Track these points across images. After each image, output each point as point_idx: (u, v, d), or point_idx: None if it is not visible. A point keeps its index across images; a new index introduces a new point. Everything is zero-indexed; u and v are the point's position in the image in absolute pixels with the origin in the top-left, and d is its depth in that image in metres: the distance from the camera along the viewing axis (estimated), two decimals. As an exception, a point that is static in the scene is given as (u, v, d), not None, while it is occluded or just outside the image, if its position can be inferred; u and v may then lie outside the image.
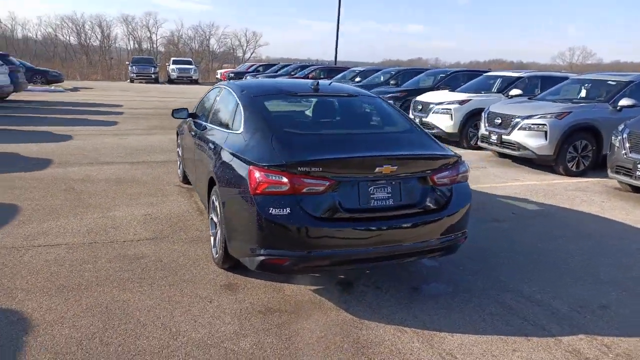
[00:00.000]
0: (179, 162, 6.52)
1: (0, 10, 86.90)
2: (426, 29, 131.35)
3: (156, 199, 5.62)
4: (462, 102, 10.03)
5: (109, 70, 40.79)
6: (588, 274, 4.05)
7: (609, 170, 6.75)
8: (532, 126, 7.80)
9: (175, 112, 5.33)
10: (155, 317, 3.06)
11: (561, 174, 7.85)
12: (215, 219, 3.78)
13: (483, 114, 8.94)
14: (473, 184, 6.94)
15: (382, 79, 15.17)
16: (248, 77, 23.49)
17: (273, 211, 2.97)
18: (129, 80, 32.17)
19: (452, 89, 11.50)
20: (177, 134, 6.51)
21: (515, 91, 9.73)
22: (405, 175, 3.24)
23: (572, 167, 7.84)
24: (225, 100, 4.39)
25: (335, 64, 27.02)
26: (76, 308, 3.14)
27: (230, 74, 29.10)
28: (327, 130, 3.84)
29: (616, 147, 6.58)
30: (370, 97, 4.38)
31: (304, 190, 3.00)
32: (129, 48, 57.40)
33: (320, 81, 4.37)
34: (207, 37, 59.97)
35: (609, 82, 8.43)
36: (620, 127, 6.67)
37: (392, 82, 14.22)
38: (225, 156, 3.57)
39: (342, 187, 3.08)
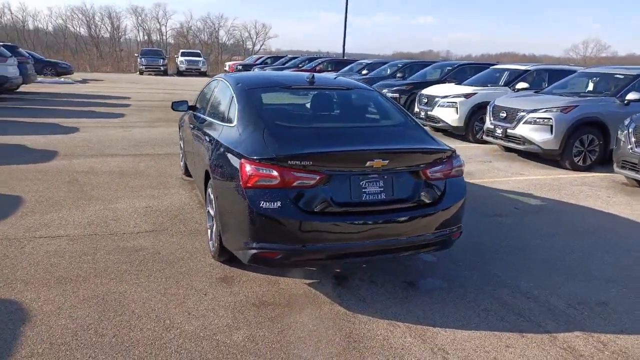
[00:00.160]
0: (181, 155, 6.55)
1: (12, 1, 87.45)
2: (437, 21, 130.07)
3: (158, 192, 5.66)
4: (467, 96, 9.94)
5: (118, 62, 40.98)
6: (588, 270, 4.02)
7: (614, 165, 6.67)
8: (537, 120, 7.71)
9: (175, 105, 5.34)
10: (150, 309, 3.10)
11: (567, 169, 7.77)
12: (211, 212, 3.80)
13: (488, 107, 8.86)
14: (477, 178, 6.96)
15: (388, 72, 15.08)
16: (256, 69, 23.48)
17: (264, 205, 2.98)
18: (138, 73, 32.30)
19: (459, 82, 11.39)
20: (179, 127, 6.54)
21: (521, 84, 9.63)
22: (397, 169, 3.23)
23: (578, 161, 7.75)
24: (221, 93, 4.40)
25: (343, 57, 26.91)
26: (73, 299, 3.18)
27: (238, 66, 29.14)
28: (320, 124, 3.84)
29: (622, 142, 6.50)
30: (366, 90, 4.36)
31: (295, 183, 3.01)
32: (138, 40, 57.60)
33: (317, 74, 4.35)
34: (216, 29, 59.94)
35: (617, 75, 8.31)
36: (626, 121, 6.57)
37: (398, 74, 14.12)
38: (219, 149, 3.58)
39: (333, 181, 3.08)
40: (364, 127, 3.84)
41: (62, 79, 22.87)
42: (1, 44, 15.05)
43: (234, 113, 3.73)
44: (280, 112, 4.10)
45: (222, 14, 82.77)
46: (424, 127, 3.84)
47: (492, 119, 8.63)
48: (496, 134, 8.45)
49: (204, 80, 28.23)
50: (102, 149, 7.94)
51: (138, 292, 3.31)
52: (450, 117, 10.03)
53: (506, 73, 10.89)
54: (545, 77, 10.49)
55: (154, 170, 6.66)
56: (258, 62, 29.22)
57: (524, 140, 7.90)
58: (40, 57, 25.77)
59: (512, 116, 8.12)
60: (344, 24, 28.49)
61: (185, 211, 5.01)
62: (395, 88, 12.33)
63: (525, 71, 10.55)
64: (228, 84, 4.24)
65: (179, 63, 32.70)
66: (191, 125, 5.07)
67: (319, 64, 20.63)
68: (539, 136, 7.69)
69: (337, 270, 3.80)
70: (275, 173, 3.00)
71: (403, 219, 3.24)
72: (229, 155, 3.36)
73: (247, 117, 3.57)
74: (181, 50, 35.75)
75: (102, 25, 55.53)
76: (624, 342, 2.98)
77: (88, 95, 16.77)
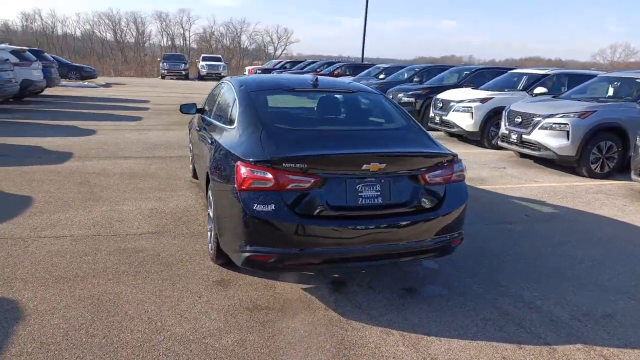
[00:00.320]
0: (190, 157, 6.59)
1: (42, 8, 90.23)
2: (460, 25, 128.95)
3: (165, 194, 5.70)
4: (483, 100, 9.78)
5: (142, 66, 41.79)
6: (598, 280, 3.88)
7: (632, 173, 6.45)
8: (553, 125, 7.52)
9: (184, 108, 5.38)
10: (143, 311, 3.10)
11: (584, 176, 7.55)
12: (211, 214, 3.80)
13: (503, 112, 8.70)
14: (488, 184, 6.81)
15: (406, 76, 14.95)
16: (275, 74, 23.60)
17: (258, 207, 2.95)
18: (160, 77, 32.84)
19: (476, 87, 11.22)
20: (189, 129, 6.58)
21: (540, 89, 9.44)
22: (394, 173, 3.16)
23: (595, 168, 7.53)
24: (225, 96, 4.40)
25: (362, 61, 26.85)
26: (69, 299, 3.21)
27: (258, 71, 29.35)
28: (320, 127, 3.80)
29: (640, 149, 6.29)
30: (370, 94, 4.31)
31: (289, 186, 2.97)
32: (162, 44, 58.66)
33: (321, 77, 4.32)
34: (238, 34, 60.65)
35: (638, 80, 8.05)
36: (646, 128, 6.35)
37: (415, 79, 13.99)
38: (219, 151, 3.58)
39: (328, 184, 3.03)
40: (363, 130, 3.78)
41: (85, 83, 23.40)
42: (27, 48, 15.48)
43: (235, 115, 3.72)
44: (281, 114, 4.08)
45: (245, 19, 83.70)
46: (427, 132, 3.76)
47: (507, 124, 8.46)
48: (511, 140, 8.28)
49: (223, 84, 28.52)
50: (116, 151, 8.06)
51: (133, 294, 3.32)
52: (465, 122, 9.87)
53: (524, 77, 10.69)
54: (565, 81, 10.24)
55: (164, 173, 6.72)
56: (277, 66, 29.41)
57: (539, 146, 7.72)
58: (66, 62, 26.45)
59: (528, 121, 7.94)
60: (364, 29, 28.52)
61: (189, 213, 5.03)
62: (410, 92, 12.21)
63: (544, 75, 10.32)
64: (232, 86, 4.24)
65: (200, 67, 33.17)
66: (197, 128, 5.09)
67: (337, 68, 20.64)
68: (555, 142, 7.50)
69: (336, 275, 3.75)
70: (269, 175, 2.98)
71: (400, 224, 3.17)
72: (227, 157, 3.35)
73: (247, 119, 3.56)
74: (202, 55, 36.27)
75: (128, 31, 56.90)
76: (627, 357, 2.85)
77: (109, 99, 17.10)
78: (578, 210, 5.76)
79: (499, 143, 8.82)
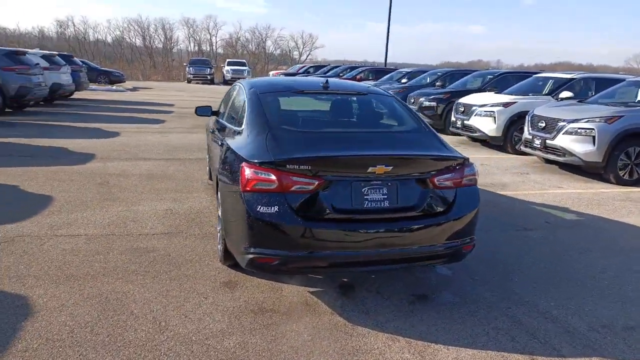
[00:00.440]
0: (207, 159, 6.63)
1: (75, 15, 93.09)
2: (488, 30, 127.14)
3: (181, 195, 5.74)
4: (506, 105, 9.57)
5: (169, 71, 42.60)
6: (621, 290, 3.71)
7: (661, 180, 6.18)
8: (578, 130, 7.29)
9: (199, 110, 5.42)
10: (148, 310, 3.10)
11: (612, 183, 7.29)
12: (220, 215, 3.79)
13: (527, 117, 8.48)
14: (510, 190, 6.64)
15: (428, 80, 14.79)
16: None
17: (261, 209, 2.92)
18: (186, 81, 33.38)
19: (500, 91, 10.99)
20: (206, 132, 6.63)
21: (565, 93, 9.16)
22: (402, 176, 3.09)
23: (624, 175, 7.26)
24: (237, 98, 4.41)
25: (385, 66, 26.72)
26: (77, 297, 3.24)
27: (281, 75, 29.50)
28: (327, 129, 3.76)
29: (671, 155, 6.02)
30: (381, 96, 4.24)
31: (293, 188, 2.93)
32: (189, 50, 59.74)
33: (331, 79, 4.28)
34: (264, 40, 61.29)
35: (669, 83, 7.74)
36: (677, 133, 6.09)
37: (438, 83, 13.81)
38: (227, 153, 3.57)
39: (333, 187, 2.98)
40: (372, 133, 3.71)
41: (114, 87, 23.96)
42: (56, 53, 15.94)
43: (244, 117, 3.72)
44: (289, 116, 4.05)
45: (270, 25, 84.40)
46: (438, 135, 3.67)
47: (530, 129, 8.24)
48: (534, 145, 8.06)
49: (248, 88, 28.81)
50: (137, 153, 8.18)
51: (141, 293, 3.33)
52: (488, 126, 9.67)
53: (550, 82, 10.41)
54: (592, 86, 9.93)
55: (182, 174, 6.79)
56: (301, 70, 29.52)
57: (564, 151, 7.49)
58: (95, 66, 27.15)
59: (552, 126, 7.72)
60: (387, 33, 28.35)
61: (203, 214, 5.05)
62: (432, 97, 12.06)
63: (570, 79, 10.03)
64: (243, 88, 4.25)
65: (225, 72, 33.55)
66: (211, 130, 5.12)
67: (360, 72, 20.56)
68: (581, 147, 7.26)
69: (345, 279, 3.69)
70: (273, 177, 2.94)
71: (408, 228, 3.09)
72: (233, 158, 3.34)
73: (254, 120, 3.54)
74: (227, 60, 36.72)
75: (156, 36, 58.16)
76: (648, 372, 2.70)
77: (135, 102, 17.45)
78: (603, 218, 5.55)
79: (522, 148, 8.60)
